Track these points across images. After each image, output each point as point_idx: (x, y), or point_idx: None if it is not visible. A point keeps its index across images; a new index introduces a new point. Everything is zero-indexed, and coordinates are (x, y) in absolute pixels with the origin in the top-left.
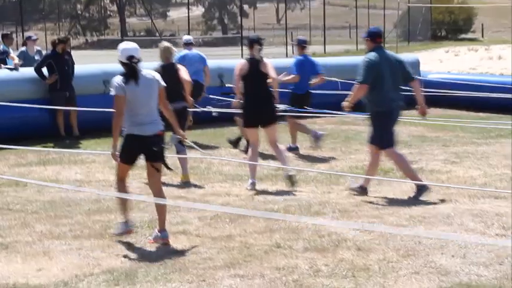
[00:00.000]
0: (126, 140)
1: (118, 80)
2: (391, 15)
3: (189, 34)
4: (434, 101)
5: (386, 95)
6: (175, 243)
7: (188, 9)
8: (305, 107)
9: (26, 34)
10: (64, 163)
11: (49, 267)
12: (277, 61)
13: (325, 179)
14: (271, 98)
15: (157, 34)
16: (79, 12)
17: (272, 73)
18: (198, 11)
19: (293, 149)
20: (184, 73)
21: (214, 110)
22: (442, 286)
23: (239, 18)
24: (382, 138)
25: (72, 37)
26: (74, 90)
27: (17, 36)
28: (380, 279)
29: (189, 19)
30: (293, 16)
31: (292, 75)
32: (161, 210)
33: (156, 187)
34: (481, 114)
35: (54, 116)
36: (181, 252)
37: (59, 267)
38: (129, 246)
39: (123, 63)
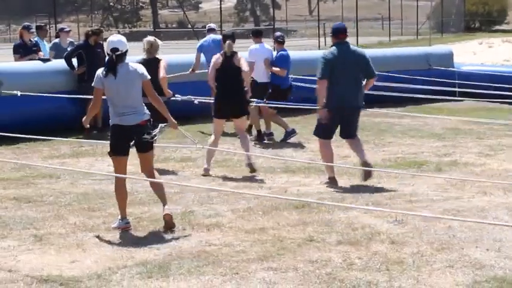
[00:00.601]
0: (111, 129)
1: (99, 72)
2: (424, 6)
3: (221, 26)
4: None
5: (339, 92)
6: (209, 236)
7: (220, 0)
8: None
9: (59, 26)
10: (97, 155)
11: (82, 259)
12: (309, 53)
13: (358, 171)
14: (242, 91)
15: (189, 26)
16: (111, 4)
17: (244, 67)
18: (230, 2)
19: (268, 135)
20: (161, 68)
21: (196, 99)
22: (476, 280)
23: (271, 9)
24: (319, 128)
25: (105, 29)
26: None
27: (50, 28)
28: (414, 273)
29: (221, 11)
30: (325, 7)
31: (280, 68)
32: (161, 197)
33: (149, 177)
34: None
35: (85, 107)
36: (214, 245)
37: (92, 260)
38: (162, 238)
39: (107, 55)
